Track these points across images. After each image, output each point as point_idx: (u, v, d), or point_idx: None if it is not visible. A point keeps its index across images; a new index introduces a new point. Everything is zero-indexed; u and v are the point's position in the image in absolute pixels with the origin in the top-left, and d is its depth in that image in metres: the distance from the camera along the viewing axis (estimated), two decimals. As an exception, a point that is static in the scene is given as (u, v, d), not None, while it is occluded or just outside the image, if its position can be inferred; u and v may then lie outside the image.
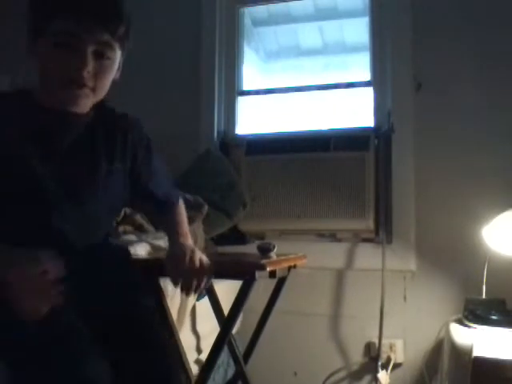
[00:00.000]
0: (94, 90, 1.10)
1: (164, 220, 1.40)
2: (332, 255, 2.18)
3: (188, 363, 1.48)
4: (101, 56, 1.08)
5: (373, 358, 2.10)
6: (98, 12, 1.05)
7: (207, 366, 1.39)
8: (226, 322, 1.45)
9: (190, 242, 1.30)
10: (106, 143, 1.20)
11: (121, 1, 1.10)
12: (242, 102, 2.50)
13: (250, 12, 2.57)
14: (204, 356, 1.63)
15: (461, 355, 1.51)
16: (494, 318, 1.70)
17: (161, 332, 1.23)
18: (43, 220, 1.10)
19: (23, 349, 0.97)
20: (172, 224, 1.35)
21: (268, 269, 1.35)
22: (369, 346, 2.13)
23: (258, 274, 1.33)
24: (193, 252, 1.23)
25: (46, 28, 1.05)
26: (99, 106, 1.19)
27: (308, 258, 1.73)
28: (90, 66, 1.06)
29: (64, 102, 1.10)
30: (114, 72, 1.13)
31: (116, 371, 1.03)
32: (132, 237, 1.64)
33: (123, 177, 1.24)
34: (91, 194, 1.16)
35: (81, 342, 1.01)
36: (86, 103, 1.12)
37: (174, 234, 1.33)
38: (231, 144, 2.40)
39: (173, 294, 1.56)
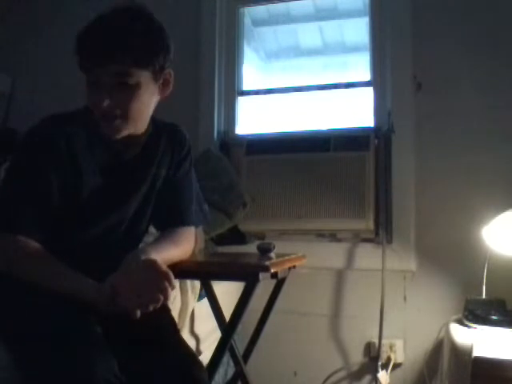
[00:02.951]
0: (124, 117, 1.16)
1: (161, 233, 1.36)
2: (332, 255, 2.18)
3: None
4: (124, 84, 1.13)
5: (373, 358, 2.10)
6: (102, 46, 1.11)
7: (210, 368, 1.38)
8: (229, 323, 1.44)
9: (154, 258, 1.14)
10: (157, 151, 1.30)
11: (129, 30, 1.12)
12: (242, 102, 2.50)
13: (249, 12, 2.57)
14: (203, 357, 1.63)
15: (461, 355, 1.51)
16: (494, 317, 1.70)
17: (178, 332, 1.26)
18: (110, 220, 1.24)
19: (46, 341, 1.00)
20: (159, 241, 1.30)
21: (272, 270, 1.35)
22: (369, 346, 2.13)
23: (261, 275, 1.32)
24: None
25: (79, 67, 1.15)
26: (154, 123, 1.30)
27: (308, 258, 1.73)
28: (108, 97, 1.12)
29: (106, 133, 1.19)
30: (145, 95, 1.17)
31: (135, 373, 1.06)
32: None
33: (163, 182, 1.33)
34: (139, 196, 1.28)
35: (95, 343, 1.03)
36: (122, 132, 1.19)
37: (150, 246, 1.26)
38: (231, 144, 2.40)
39: (174, 296, 1.56)
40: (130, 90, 1.14)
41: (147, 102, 1.20)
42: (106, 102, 1.12)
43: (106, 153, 1.22)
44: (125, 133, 1.19)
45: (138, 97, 1.15)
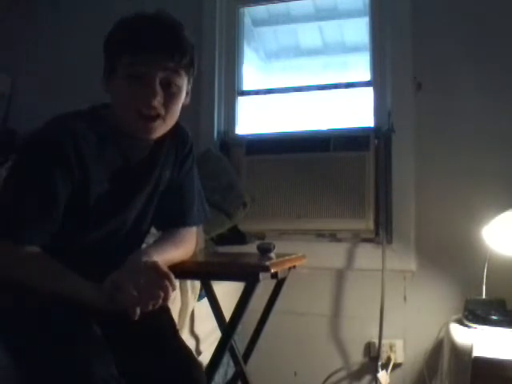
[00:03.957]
0: (164, 118, 1.16)
1: (162, 233, 1.35)
2: (332, 255, 2.18)
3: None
4: (169, 85, 1.14)
5: (373, 358, 2.10)
6: (163, 43, 1.12)
7: (210, 369, 1.38)
8: (229, 324, 1.44)
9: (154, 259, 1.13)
10: (161, 152, 1.27)
11: (183, 32, 1.17)
12: (242, 102, 2.50)
13: (249, 12, 2.57)
14: (203, 357, 1.63)
15: (461, 355, 1.51)
16: (494, 317, 1.70)
17: (177, 333, 1.27)
18: (116, 224, 1.23)
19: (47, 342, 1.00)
20: (160, 242, 1.29)
21: (272, 270, 1.35)
22: (369, 346, 2.13)
23: (261, 275, 1.32)
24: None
25: (117, 64, 1.12)
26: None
27: (308, 258, 1.73)
28: (160, 94, 1.12)
29: (138, 132, 1.17)
30: (182, 99, 1.19)
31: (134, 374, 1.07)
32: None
33: (167, 183, 1.31)
34: (143, 197, 1.26)
35: (94, 343, 1.03)
36: (158, 133, 1.19)
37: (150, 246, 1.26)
38: (231, 144, 2.40)
39: (174, 297, 1.56)
40: (175, 92, 1.15)
41: (180, 107, 1.20)
42: (158, 99, 1.12)
43: (115, 155, 1.19)
44: (158, 135, 1.19)
45: (179, 100, 1.18)
